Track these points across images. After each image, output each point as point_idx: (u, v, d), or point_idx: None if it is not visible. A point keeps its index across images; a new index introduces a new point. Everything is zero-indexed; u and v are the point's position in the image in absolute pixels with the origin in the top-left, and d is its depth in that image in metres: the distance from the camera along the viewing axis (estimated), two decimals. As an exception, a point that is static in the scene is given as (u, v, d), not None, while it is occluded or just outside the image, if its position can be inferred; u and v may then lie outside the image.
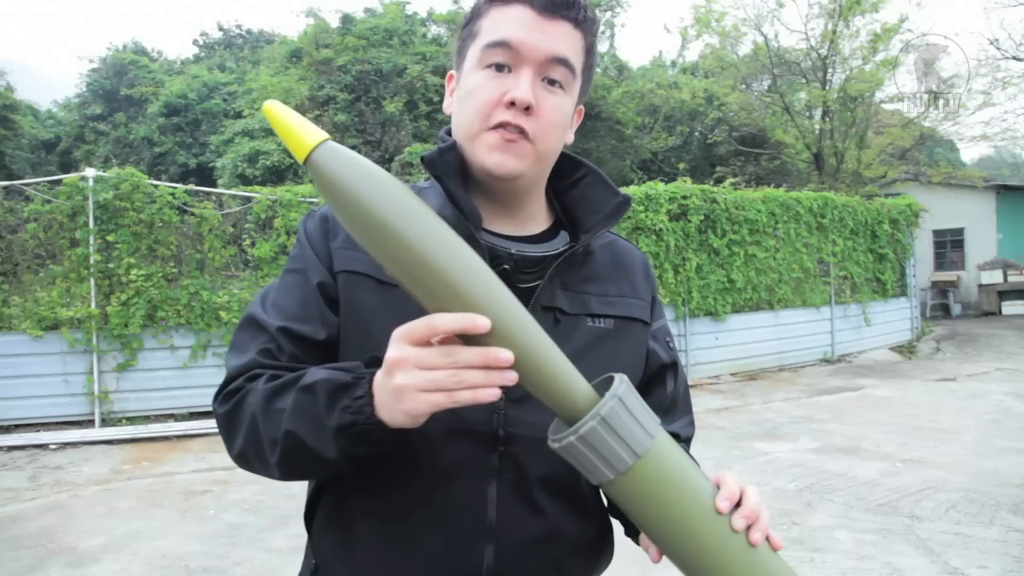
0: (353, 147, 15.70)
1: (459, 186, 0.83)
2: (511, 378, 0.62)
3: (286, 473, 0.77)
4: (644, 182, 9.34)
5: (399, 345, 0.64)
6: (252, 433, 0.76)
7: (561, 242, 0.90)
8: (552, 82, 0.81)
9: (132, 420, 6.22)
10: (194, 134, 20.93)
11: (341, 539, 0.85)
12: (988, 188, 17.03)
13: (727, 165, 17.03)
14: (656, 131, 18.73)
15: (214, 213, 6.63)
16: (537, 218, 0.91)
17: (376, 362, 0.70)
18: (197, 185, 7.57)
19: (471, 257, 0.63)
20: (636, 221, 8.06)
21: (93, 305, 6.12)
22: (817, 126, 15.98)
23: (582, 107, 0.92)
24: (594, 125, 16.98)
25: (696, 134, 19.79)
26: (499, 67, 0.80)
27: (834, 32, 14.82)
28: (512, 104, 0.78)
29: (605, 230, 0.89)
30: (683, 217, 8.41)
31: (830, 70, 15.54)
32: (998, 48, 14.93)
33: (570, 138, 0.89)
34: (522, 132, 0.79)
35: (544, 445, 0.80)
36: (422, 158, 0.85)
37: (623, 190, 7.65)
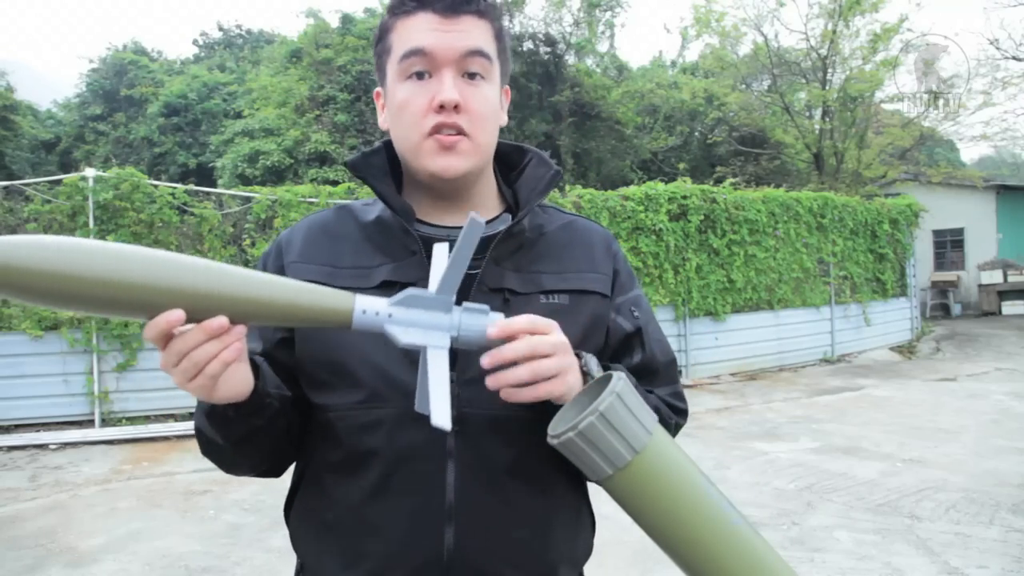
0: (353, 147, 15.73)
1: (388, 185, 0.88)
2: (239, 331, 0.66)
3: (218, 461, 0.86)
4: (644, 182, 9.33)
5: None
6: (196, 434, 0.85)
7: (502, 223, 0.92)
8: (472, 75, 0.84)
9: (132, 420, 6.23)
10: (194, 134, 20.92)
11: (314, 530, 0.88)
12: (988, 188, 17.04)
13: (727, 165, 17.01)
14: (656, 131, 18.73)
15: (214, 213, 6.64)
16: (486, 206, 0.94)
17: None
18: (197, 185, 7.57)
19: (144, 257, 0.62)
20: (636, 221, 8.05)
21: (93, 305, 6.12)
22: (817, 126, 15.98)
23: (507, 87, 0.94)
24: (594, 125, 16.98)
25: (696, 134, 19.78)
26: (419, 75, 0.83)
27: (834, 32, 14.82)
28: (441, 107, 0.82)
29: (538, 203, 0.92)
30: (683, 217, 8.40)
31: (830, 70, 15.54)
32: (998, 48, 14.93)
33: (503, 120, 0.92)
34: (459, 131, 0.83)
35: (502, 425, 0.83)
36: (346, 163, 0.90)
37: (623, 190, 7.55)
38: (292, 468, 0.95)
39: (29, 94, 27.88)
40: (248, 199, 6.94)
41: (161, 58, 27.38)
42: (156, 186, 6.45)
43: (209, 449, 0.83)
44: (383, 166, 0.90)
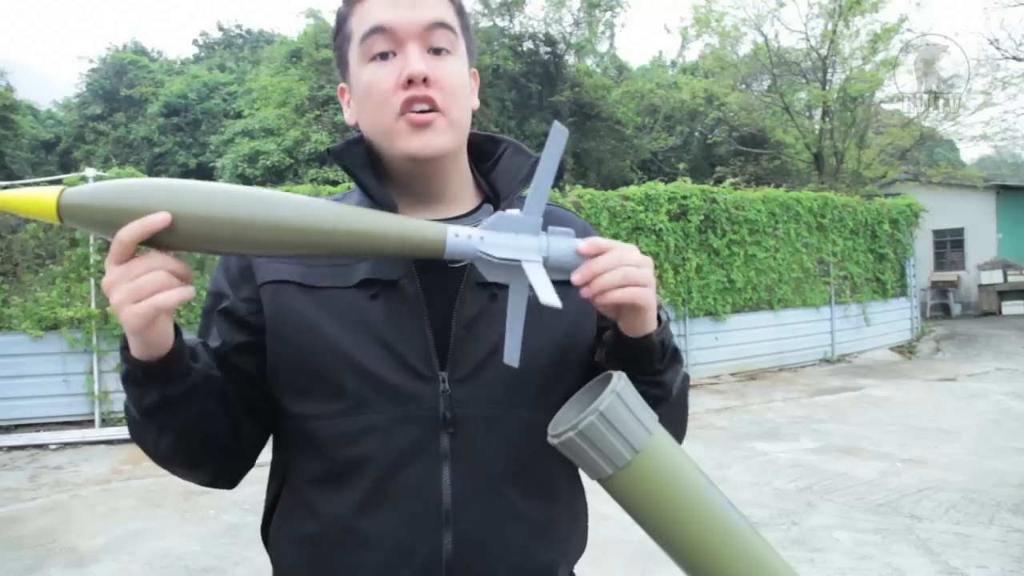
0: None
1: (369, 176, 0.84)
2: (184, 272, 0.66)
3: (143, 444, 0.79)
4: (644, 182, 9.33)
5: (109, 268, 0.65)
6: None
7: (485, 215, 0.88)
8: (438, 51, 0.81)
9: (132, 420, 6.23)
10: (194, 134, 20.93)
11: (300, 547, 0.83)
12: (988, 188, 17.03)
13: (727, 165, 17.01)
14: (656, 131, 18.73)
15: (214, 213, 6.63)
16: (463, 199, 0.90)
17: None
18: (197, 185, 7.57)
19: (239, 195, 0.66)
20: (636, 221, 8.05)
21: (93, 305, 6.12)
22: (817, 126, 15.98)
23: (475, 70, 0.92)
24: (594, 125, 16.97)
25: (696, 134, 19.78)
26: (383, 56, 0.80)
27: (834, 32, 14.82)
28: (410, 82, 0.78)
29: (520, 193, 0.88)
30: (683, 217, 8.41)
31: (830, 70, 15.54)
32: (998, 48, 14.91)
33: (475, 103, 0.89)
34: (432, 106, 0.79)
35: (496, 424, 0.80)
36: (329, 151, 0.86)
37: (623, 190, 7.48)
38: (266, 486, 0.90)
39: (29, 94, 27.86)
40: (248, 199, 6.93)
41: (161, 58, 27.37)
42: (156, 186, 6.44)
43: (133, 429, 0.78)
44: (363, 156, 0.85)
